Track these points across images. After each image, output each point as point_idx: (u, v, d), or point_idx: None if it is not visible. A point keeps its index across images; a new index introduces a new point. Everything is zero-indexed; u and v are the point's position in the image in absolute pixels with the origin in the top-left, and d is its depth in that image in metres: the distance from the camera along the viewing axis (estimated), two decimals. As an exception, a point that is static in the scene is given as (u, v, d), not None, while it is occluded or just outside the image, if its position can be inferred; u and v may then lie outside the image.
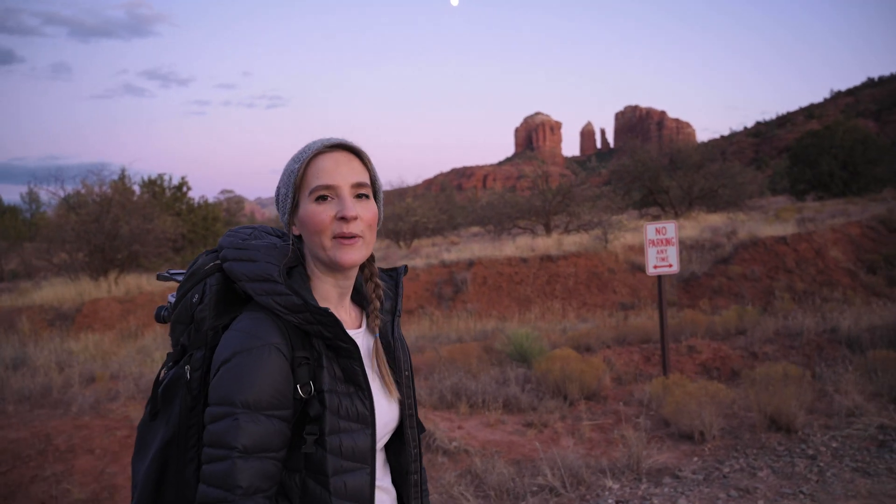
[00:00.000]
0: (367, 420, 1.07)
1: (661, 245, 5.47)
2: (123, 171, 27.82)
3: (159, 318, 1.20)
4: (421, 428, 1.27)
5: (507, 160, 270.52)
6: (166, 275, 1.26)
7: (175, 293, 1.15)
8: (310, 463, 1.04)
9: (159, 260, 27.13)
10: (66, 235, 19.65)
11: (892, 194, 32.87)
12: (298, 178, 1.08)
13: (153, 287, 20.32)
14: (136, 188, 29.18)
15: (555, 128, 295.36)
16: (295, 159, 1.09)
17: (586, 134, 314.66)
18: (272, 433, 0.98)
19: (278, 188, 1.12)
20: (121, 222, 19.35)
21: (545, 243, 18.42)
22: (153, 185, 30.59)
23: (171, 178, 31.48)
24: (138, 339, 13.47)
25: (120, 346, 12.28)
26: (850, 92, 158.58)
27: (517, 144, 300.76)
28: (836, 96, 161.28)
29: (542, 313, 14.45)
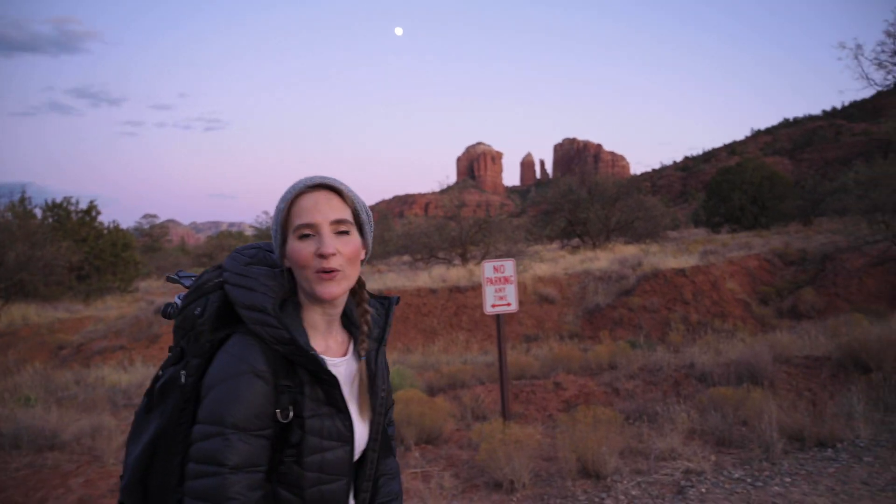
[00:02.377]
0: (347, 438, 1.18)
1: (499, 283, 5.38)
2: (23, 193, 26.22)
3: (165, 315, 1.26)
4: (389, 452, 1.42)
5: (449, 188, 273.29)
6: (175, 277, 1.32)
7: (182, 294, 1.23)
8: (285, 478, 1.12)
9: (61, 288, 25.51)
10: (-57, 262, 18.13)
11: (796, 228, 34.89)
12: (283, 217, 1.16)
13: (42, 319, 18.99)
14: (39, 212, 27.56)
15: (496, 158, 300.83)
16: (281, 199, 1.17)
17: (526, 164, 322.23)
18: (259, 451, 1.08)
19: (272, 226, 1.21)
20: (6, 248, 18.03)
21: (457, 274, 18.35)
22: (58, 209, 28.94)
23: (77, 202, 29.91)
24: (14, 376, 12.42)
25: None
26: (769, 131, 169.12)
27: (459, 173, 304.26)
28: (756, 134, 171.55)
29: (446, 346, 14.26)
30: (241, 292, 1.14)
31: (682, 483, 4.02)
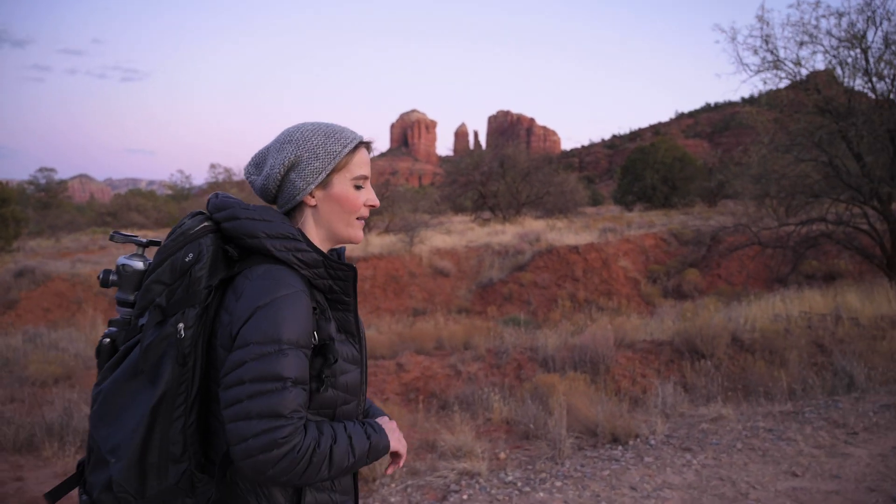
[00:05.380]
0: (359, 360, 1.24)
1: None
2: None
3: (107, 283, 1.19)
4: None
5: (382, 155, 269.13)
6: (121, 236, 1.24)
7: (130, 256, 1.19)
8: (317, 401, 1.15)
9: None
10: None
11: (701, 209, 36.26)
12: (342, 161, 1.22)
13: None
14: None
15: (430, 127, 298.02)
16: (336, 142, 1.21)
17: (460, 135, 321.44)
18: (306, 367, 1.10)
19: (304, 160, 1.20)
20: None
21: (352, 245, 17.70)
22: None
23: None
24: None
25: None
26: (691, 114, 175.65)
27: (392, 140, 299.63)
28: (680, 117, 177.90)
29: (329, 318, 13.71)
30: (260, 224, 1.13)
31: (452, 487, 3.67)
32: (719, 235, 18.22)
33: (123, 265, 1.18)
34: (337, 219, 1.22)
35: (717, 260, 17.31)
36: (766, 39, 9.30)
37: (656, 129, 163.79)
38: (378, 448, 1.20)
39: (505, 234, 21.70)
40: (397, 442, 1.28)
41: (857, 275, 14.17)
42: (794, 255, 11.55)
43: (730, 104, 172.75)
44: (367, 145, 1.26)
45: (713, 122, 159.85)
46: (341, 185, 1.21)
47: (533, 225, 24.95)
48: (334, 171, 1.21)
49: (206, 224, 1.16)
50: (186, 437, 1.09)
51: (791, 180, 11.75)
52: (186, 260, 1.11)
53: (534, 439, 4.56)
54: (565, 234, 20.89)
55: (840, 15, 8.90)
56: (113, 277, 1.19)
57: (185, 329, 1.08)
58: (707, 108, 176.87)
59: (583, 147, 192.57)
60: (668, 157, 39.01)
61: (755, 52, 9.57)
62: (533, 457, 4.14)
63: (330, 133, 1.21)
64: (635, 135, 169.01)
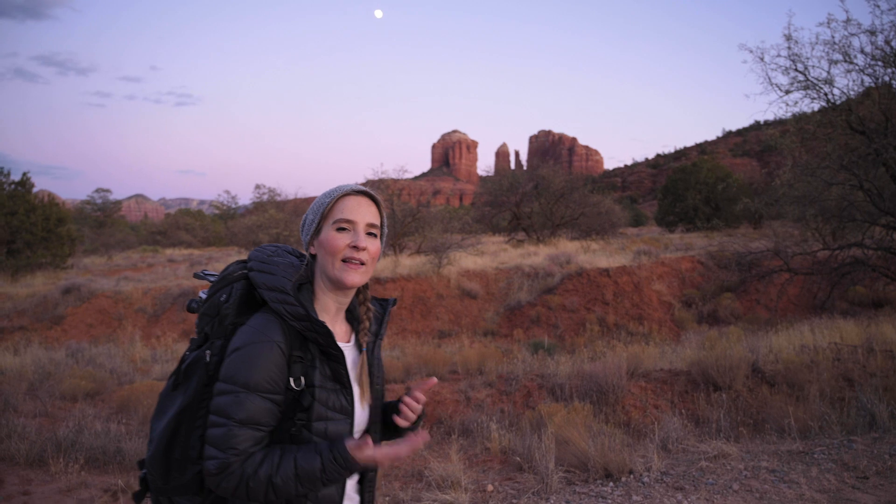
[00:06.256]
0: (348, 411, 1.35)
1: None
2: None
3: (190, 309, 1.45)
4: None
5: (423, 175, 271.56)
6: (201, 274, 1.52)
7: (206, 290, 1.43)
8: (295, 442, 1.28)
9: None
10: None
11: (747, 230, 35.07)
12: (326, 210, 1.37)
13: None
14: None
15: (471, 146, 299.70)
16: (326, 195, 1.39)
17: (501, 154, 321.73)
18: (264, 411, 1.25)
19: (306, 216, 1.42)
20: None
21: (381, 265, 17.84)
22: (-13, 181, 27.68)
23: (9, 173, 28.66)
24: None
25: None
26: (739, 132, 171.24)
27: (434, 160, 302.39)
28: (727, 136, 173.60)
29: (355, 339, 13.77)
30: (265, 276, 1.32)
31: (434, 519, 3.61)
32: (752, 260, 17.60)
33: (202, 298, 1.44)
34: (326, 262, 1.35)
35: (755, 285, 16.68)
36: (795, 59, 9.03)
37: (702, 148, 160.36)
38: (333, 470, 1.25)
39: (537, 255, 21.48)
40: (365, 458, 1.27)
41: (905, 302, 13.42)
42: (829, 281, 11.03)
43: (779, 122, 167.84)
44: (364, 193, 1.38)
45: (762, 140, 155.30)
46: (326, 230, 1.35)
47: (567, 246, 24.62)
48: (322, 220, 1.36)
49: (242, 271, 1.38)
50: (203, 444, 1.27)
51: (825, 203, 11.26)
52: (221, 299, 1.35)
53: (526, 471, 4.46)
54: (599, 256, 20.54)
55: (873, 32, 8.57)
56: (194, 305, 1.44)
57: (210, 356, 1.30)
58: (756, 126, 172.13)
59: (626, 166, 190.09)
60: (710, 177, 38.01)
61: (785, 72, 9.28)
62: (520, 490, 4.04)
63: (327, 192, 1.38)
64: (680, 154, 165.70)
